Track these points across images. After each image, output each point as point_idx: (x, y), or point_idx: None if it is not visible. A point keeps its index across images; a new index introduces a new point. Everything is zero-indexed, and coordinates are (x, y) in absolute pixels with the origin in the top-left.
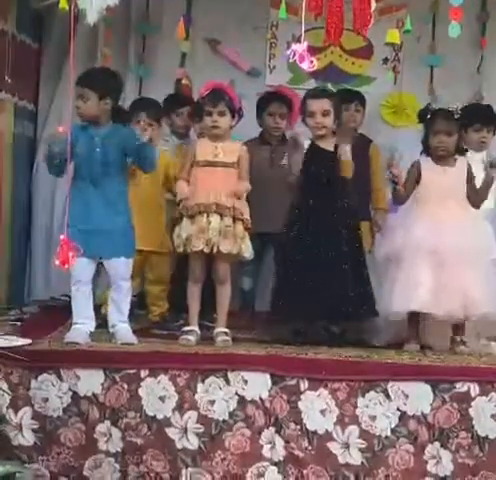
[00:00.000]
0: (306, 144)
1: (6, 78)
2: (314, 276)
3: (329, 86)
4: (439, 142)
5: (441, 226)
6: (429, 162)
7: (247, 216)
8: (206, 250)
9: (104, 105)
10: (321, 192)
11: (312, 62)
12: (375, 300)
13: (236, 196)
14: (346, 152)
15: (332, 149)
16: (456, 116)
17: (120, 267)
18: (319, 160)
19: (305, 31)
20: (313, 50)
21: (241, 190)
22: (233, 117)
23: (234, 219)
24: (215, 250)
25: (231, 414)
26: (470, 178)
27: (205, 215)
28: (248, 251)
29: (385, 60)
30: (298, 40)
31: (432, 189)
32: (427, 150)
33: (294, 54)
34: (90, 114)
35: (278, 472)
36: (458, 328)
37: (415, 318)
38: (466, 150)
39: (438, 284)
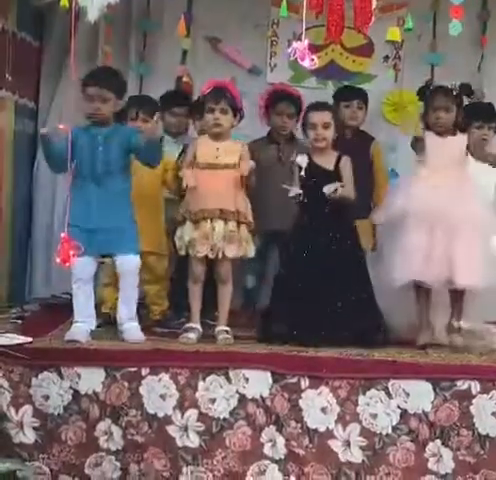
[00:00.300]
0: (304, 162)
1: (7, 76)
2: (315, 301)
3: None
4: (437, 118)
5: (441, 194)
6: (432, 135)
7: (250, 218)
8: (211, 255)
9: (118, 106)
10: (322, 211)
11: (313, 60)
12: (381, 321)
13: (242, 173)
14: (335, 191)
15: (332, 167)
16: (455, 93)
17: (130, 264)
18: (319, 180)
19: (306, 29)
20: (314, 48)
21: (246, 168)
22: (235, 116)
23: (238, 223)
24: (220, 255)
25: (232, 412)
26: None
27: (209, 220)
28: (251, 251)
29: (386, 58)
30: (299, 38)
31: (433, 157)
32: (426, 126)
33: (295, 52)
34: (108, 115)
35: (279, 470)
36: (456, 312)
37: (424, 297)
38: (464, 129)
39: (430, 251)
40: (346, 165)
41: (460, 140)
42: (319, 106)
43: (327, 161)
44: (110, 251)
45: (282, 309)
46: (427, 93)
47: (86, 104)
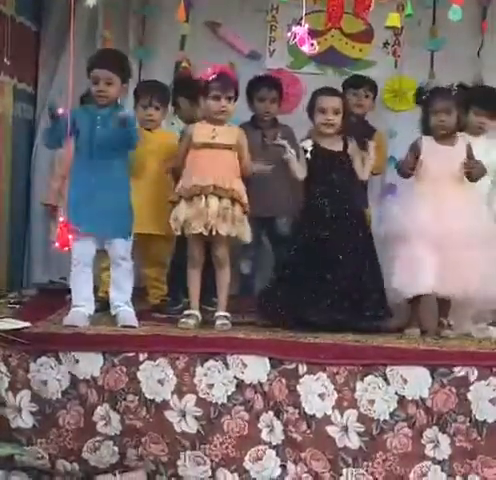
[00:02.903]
0: (308, 145)
1: (5, 60)
2: (324, 284)
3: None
4: (440, 121)
5: (442, 207)
6: (430, 141)
7: (245, 199)
8: (205, 233)
9: (123, 89)
10: (330, 193)
11: (312, 45)
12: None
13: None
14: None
15: (340, 149)
16: (453, 93)
17: (119, 247)
18: (328, 162)
19: (305, 14)
20: (313, 33)
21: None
22: (235, 101)
23: (232, 201)
24: (214, 232)
25: (230, 398)
26: (470, 154)
27: (203, 197)
28: (247, 234)
29: (385, 44)
30: (298, 23)
31: (432, 168)
32: (426, 130)
33: (295, 36)
34: (113, 98)
35: (276, 455)
36: (444, 311)
37: (416, 302)
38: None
39: (440, 265)
40: (354, 148)
41: (459, 148)
42: (329, 91)
43: (334, 144)
44: (105, 233)
45: (293, 292)
46: (425, 96)
47: (92, 86)
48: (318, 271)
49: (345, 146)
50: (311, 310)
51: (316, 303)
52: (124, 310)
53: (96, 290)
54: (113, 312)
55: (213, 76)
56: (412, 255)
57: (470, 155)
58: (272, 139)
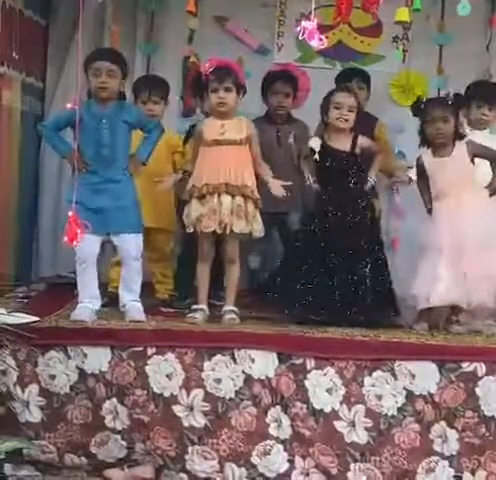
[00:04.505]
0: (317, 145)
1: (13, 54)
2: (332, 278)
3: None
4: (437, 130)
5: (457, 219)
6: (429, 156)
7: (257, 195)
8: (219, 230)
9: (124, 83)
10: (339, 195)
11: (321, 40)
12: (396, 300)
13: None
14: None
15: (348, 149)
16: (449, 102)
17: (130, 245)
18: (334, 163)
19: (314, 9)
20: (322, 28)
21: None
22: (238, 93)
23: (245, 198)
24: (228, 230)
25: (237, 392)
26: (476, 151)
27: (216, 195)
28: (259, 230)
29: (394, 39)
30: (307, 17)
31: (437, 182)
32: (425, 141)
33: (304, 31)
34: (115, 91)
35: (284, 450)
36: (455, 308)
37: None
38: (463, 136)
39: (458, 277)
40: (363, 144)
41: (460, 156)
42: (345, 89)
43: (342, 143)
44: (113, 230)
45: (306, 288)
46: (421, 107)
47: (92, 79)
48: (314, 268)
49: (353, 146)
50: (307, 306)
51: (312, 299)
52: (132, 306)
53: (106, 285)
54: (122, 309)
55: (210, 70)
56: (431, 269)
57: (477, 151)
58: (287, 137)
